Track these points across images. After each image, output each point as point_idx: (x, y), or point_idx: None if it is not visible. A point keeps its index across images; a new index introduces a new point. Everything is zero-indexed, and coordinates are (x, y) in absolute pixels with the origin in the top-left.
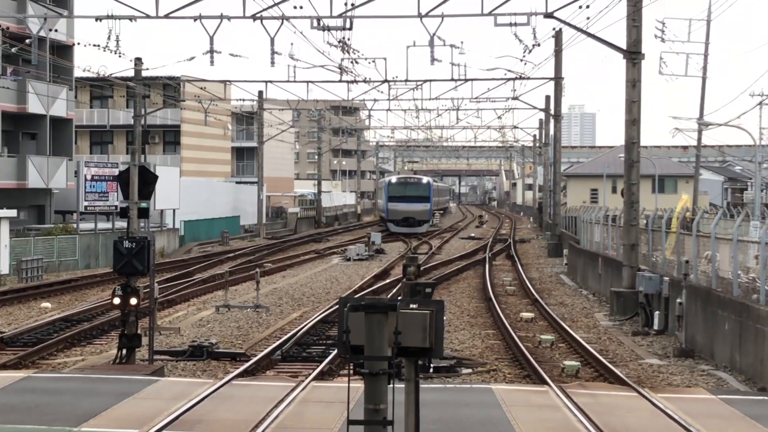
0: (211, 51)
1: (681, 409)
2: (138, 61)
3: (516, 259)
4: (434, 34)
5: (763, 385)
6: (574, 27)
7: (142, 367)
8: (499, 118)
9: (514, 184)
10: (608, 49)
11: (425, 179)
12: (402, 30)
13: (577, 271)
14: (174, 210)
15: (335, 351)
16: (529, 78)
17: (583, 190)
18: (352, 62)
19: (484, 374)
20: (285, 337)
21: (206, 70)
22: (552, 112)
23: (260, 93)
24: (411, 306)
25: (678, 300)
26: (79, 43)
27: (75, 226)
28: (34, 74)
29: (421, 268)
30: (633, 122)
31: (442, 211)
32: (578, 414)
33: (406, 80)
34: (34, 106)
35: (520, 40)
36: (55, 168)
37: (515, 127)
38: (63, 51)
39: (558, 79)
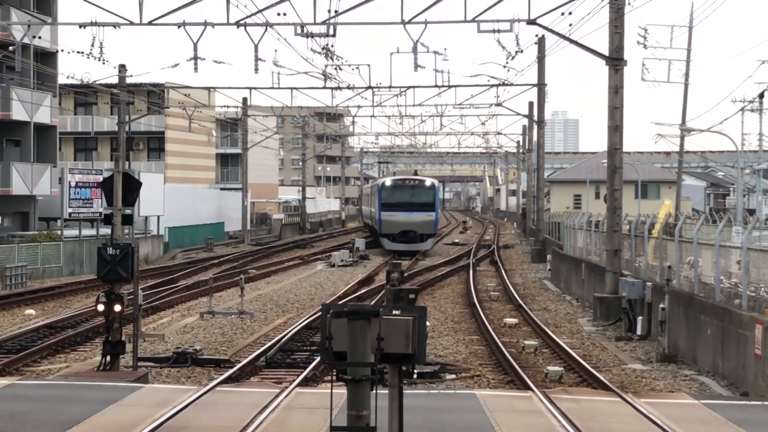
0: (195, 58)
1: (664, 414)
2: (122, 68)
3: (500, 264)
4: (418, 41)
5: (746, 390)
6: (557, 34)
7: (126, 374)
8: (483, 124)
9: (498, 190)
10: (591, 55)
11: (429, 181)
12: (385, 37)
13: (560, 277)
14: (158, 216)
15: (319, 357)
16: (512, 84)
17: (566, 195)
18: (335, 69)
19: (468, 380)
20: (269, 344)
21: (190, 77)
22: (535, 118)
23: (244, 100)
24: (394, 312)
25: (661, 305)
26: (63, 50)
27: (59, 232)
28: (18, 81)
29: (405, 274)
30: (616, 128)
31: None
32: (561, 419)
33: (390, 87)
34: (18, 113)
35: (503, 47)
36: (39, 175)
37: (499, 134)
38: (47, 58)
39: (541, 86)
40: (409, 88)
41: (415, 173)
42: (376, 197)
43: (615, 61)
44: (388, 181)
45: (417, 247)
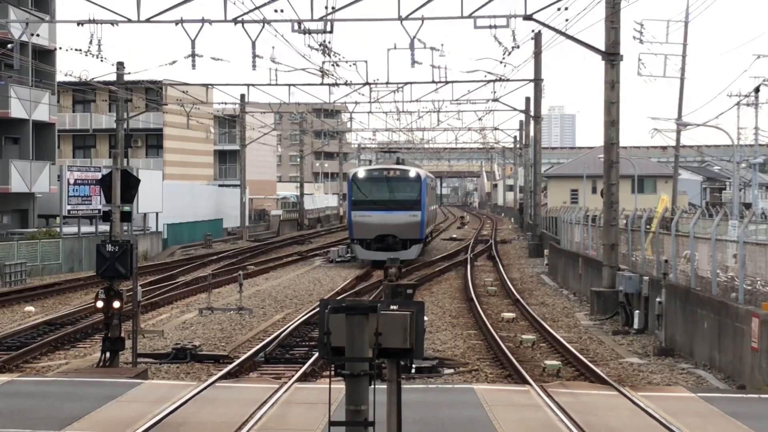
0: (193, 55)
1: (661, 407)
2: (120, 65)
3: (497, 259)
4: (415, 37)
5: (742, 383)
6: (553, 29)
7: (126, 370)
8: (480, 119)
9: (495, 186)
10: (587, 50)
11: (414, 170)
12: (383, 33)
13: (557, 271)
14: (157, 213)
15: (318, 352)
16: (509, 80)
17: (563, 190)
18: (333, 65)
19: (466, 374)
20: (268, 339)
21: (188, 74)
22: (532, 113)
23: (242, 96)
24: (391, 307)
25: (658, 299)
26: (61, 48)
27: (58, 230)
28: (17, 79)
29: (403, 270)
30: (612, 123)
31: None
32: (559, 413)
33: (387, 83)
34: (16, 110)
35: (500, 43)
36: (38, 172)
37: (496, 129)
38: (45, 55)
39: (538, 81)
40: (406, 84)
41: (398, 161)
42: (347, 192)
43: (611, 56)
44: (360, 172)
45: (398, 255)
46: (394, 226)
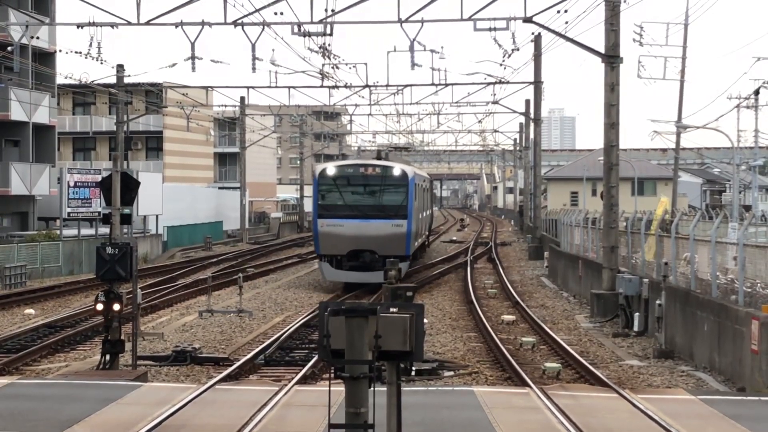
0: (193, 57)
1: (661, 409)
2: (120, 67)
3: (497, 262)
4: (414, 39)
5: (742, 385)
6: (553, 31)
7: (126, 373)
8: (480, 122)
9: (495, 188)
10: (587, 53)
11: (398, 168)
12: (382, 35)
13: (557, 274)
14: (157, 216)
15: (318, 355)
16: (508, 82)
17: (563, 193)
18: (333, 68)
19: (466, 377)
20: (268, 342)
21: (188, 77)
22: (532, 115)
23: (242, 99)
24: (391, 310)
25: (657, 301)
26: (61, 50)
27: (58, 232)
28: (17, 81)
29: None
30: (612, 125)
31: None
32: (559, 415)
33: (387, 85)
34: (16, 113)
35: (500, 45)
36: (38, 175)
37: (496, 131)
38: (45, 58)
39: (537, 83)
40: (406, 86)
41: (379, 156)
42: (313, 194)
43: (611, 58)
44: (330, 169)
45: (377, 277)
46: (373, 239)
